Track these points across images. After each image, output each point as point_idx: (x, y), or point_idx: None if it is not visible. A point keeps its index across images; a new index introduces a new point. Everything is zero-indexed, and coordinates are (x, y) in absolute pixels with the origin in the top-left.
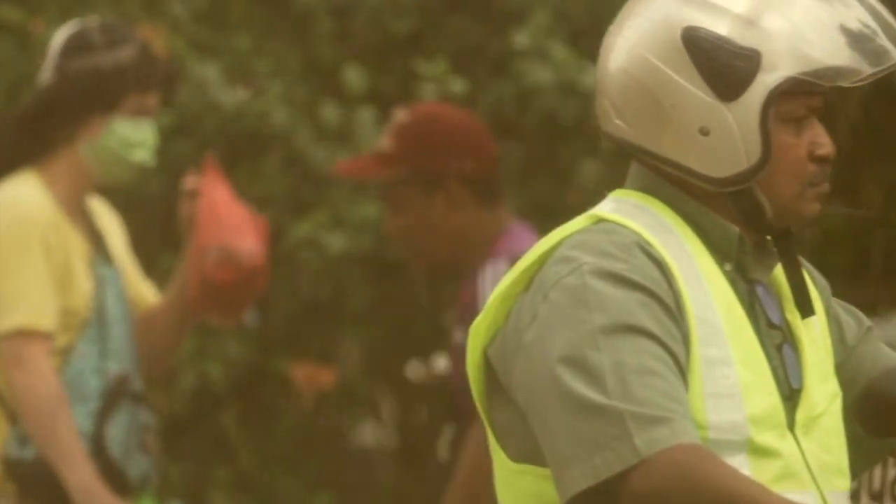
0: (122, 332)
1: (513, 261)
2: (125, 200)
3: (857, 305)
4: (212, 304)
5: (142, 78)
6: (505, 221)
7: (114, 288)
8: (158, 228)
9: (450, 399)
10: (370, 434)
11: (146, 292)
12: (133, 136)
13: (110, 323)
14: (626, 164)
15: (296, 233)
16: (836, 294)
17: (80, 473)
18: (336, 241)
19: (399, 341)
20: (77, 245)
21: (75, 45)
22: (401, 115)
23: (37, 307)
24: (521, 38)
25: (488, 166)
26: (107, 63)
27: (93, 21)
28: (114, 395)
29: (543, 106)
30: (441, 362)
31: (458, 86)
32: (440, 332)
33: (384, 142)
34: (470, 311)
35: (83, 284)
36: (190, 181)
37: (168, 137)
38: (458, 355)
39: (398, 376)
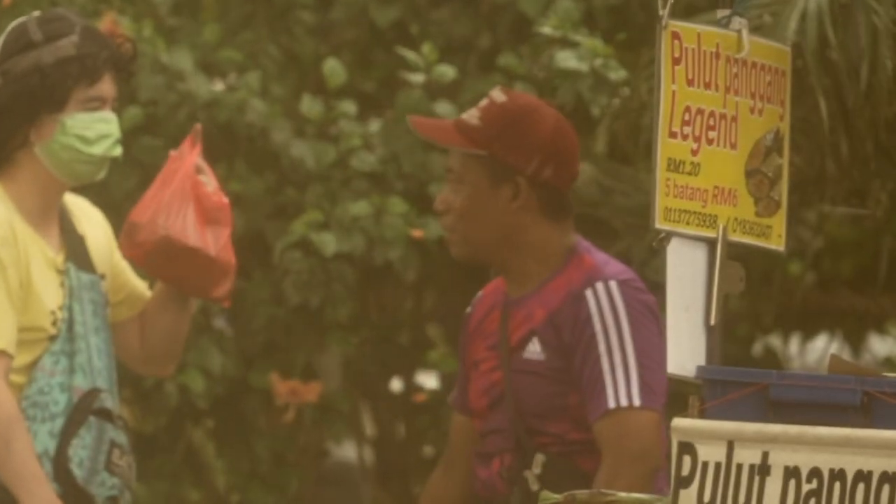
0: (96, 344)
1: (622, 284)
2: (94, 198)
3: (864, 318)
4: (156, 275)
5: (88, 68)
6: (571, 238)
7: (91, 295)
8: None
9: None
10: (351, 451)
11: (143, 288)
12: (89, 131)
13: (81, 336)
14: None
15: (286, 235)
16: (840, 305)
17: (37, 497)
18: (330, 242)
19: (381, 354)
20: (43, 255)
21: (15, 45)
22: (497, 94)
23: None
24: (546, 28)
25: (566, 179)
26: (47, 59)
27: (32, 17)
28: (79, 413)
29: (573, 95)
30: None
31: (448, 73)
32: (423, 345)
33: (472, 114)
34: (555, 330)
35: (48, 298)
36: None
37: (138, 131)
38: (539, 371)
39: (380, 391)
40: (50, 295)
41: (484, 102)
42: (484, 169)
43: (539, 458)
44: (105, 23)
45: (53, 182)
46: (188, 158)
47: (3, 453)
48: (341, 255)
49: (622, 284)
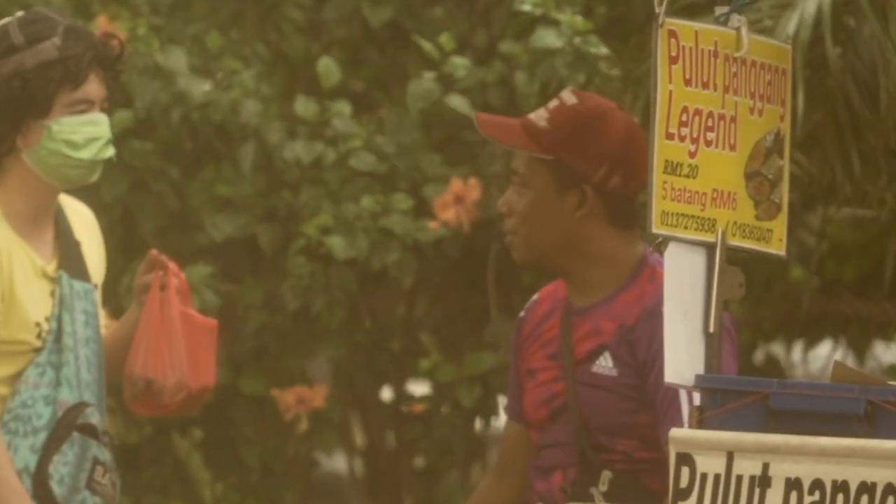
0: (86, 355)
1: None
2: (84, 202)
3: (868, 324)
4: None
5: (71, 71)
6: (639, 248)
7: (83, 305)
8: (119, 233)
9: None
10: (341, 462)
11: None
12: (76, 135)
13: (69, 348)
14: None
15: (297, 237)
16: (843, 311)
17: None
18: (340, 246)
19: (373, 362)
20: (31, 264)
21: None
22: (567, 96)
23: None
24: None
25: (634, 188)
26: (29, 63)
27: (14, 18)
28: (62, 428)
29: (552, 70)
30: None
31: (462, 66)
32: (415, 353)
33: (541, 115)
34: (629, 346)
35: (33, 310)
36: (151, 262)
37: (128, 135)
38: (610, 386)
39: (370, 400)
40: (36, 306)
41: (553, 104)
42: (549, 174)
43: (606, 475)
44: (99, 24)
45: (44, 187)
46: (169, 292)
47: None
48: (346, 259)
49: None
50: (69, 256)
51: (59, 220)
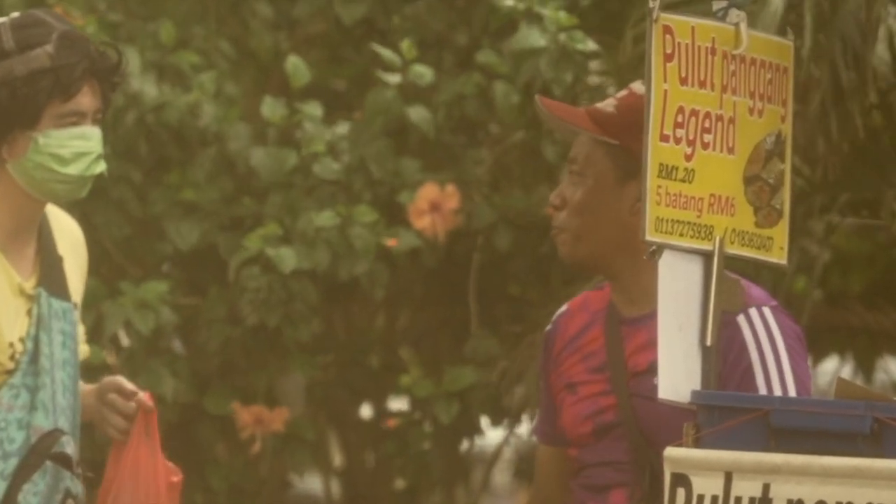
0: (62, 379)
1: (775, 310)
2: None
3: (876, 336)
4: None
5: (62, 82)
6: None
7: (61, 325)
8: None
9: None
10: (316, 482)
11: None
12: (64, 149)
13: (46, 370)
14: None
15: (241, 249)
16: (850, 323)
17: None
18: (289, 258)
19: (350, 378)
20: (8, 281)
21: None
22: (637, 86)
23: None
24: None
25: None
26: (19, 71)
27: (6, 20)
28: (35, 456)
29: (535, 71)
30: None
31: (426, 75)
32: (395, 368)
33: (608, 102)
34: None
35: (7, 329)
36: (134, 404)
37: None
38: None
39: (348, 417)
40: (10, 325)
41: (623, 93)
42: (611, 161)
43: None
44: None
45: (29, 200)
46: (151, 440)
47: None
48: (302, 271)
49: (775, 311)
50: (50, 273)
51: (42, 234)
